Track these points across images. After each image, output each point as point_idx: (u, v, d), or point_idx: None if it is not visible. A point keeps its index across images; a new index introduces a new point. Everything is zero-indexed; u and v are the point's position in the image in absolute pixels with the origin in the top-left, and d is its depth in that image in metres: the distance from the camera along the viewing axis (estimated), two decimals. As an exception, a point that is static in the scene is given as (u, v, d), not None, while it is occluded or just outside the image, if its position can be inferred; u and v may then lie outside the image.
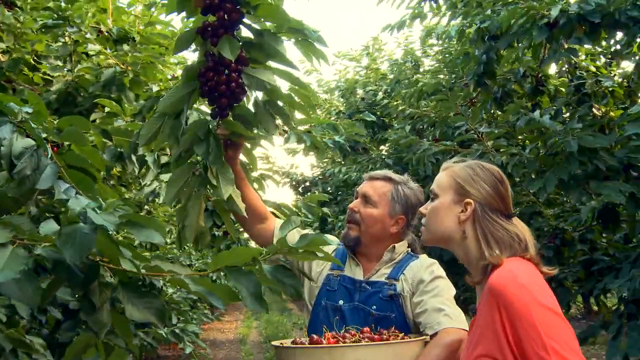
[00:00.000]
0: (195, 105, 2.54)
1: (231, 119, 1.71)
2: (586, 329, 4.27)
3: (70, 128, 1.64)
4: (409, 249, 2.00)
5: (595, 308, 8.44)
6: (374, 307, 1.85)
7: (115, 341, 2.71)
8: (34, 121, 1.51)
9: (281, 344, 1.66)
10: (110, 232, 1.06)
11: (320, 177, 8.52)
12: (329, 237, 1.23)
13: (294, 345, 1.60)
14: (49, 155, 1.47)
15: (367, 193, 1.98)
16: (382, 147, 7.31)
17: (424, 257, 1.96)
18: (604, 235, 4.55)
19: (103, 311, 1.31)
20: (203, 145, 1.59)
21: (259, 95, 1.70)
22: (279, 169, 9.11)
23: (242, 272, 1.21)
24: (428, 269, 1.89)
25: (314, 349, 1.54)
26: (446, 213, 1.49)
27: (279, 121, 1.74)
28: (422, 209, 1.57)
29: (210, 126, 1.67)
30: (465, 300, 7.56)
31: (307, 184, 8.82)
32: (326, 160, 8.60)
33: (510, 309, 1.27)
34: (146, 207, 6.14)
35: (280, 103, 1.69)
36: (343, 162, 7.61)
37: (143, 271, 1.19)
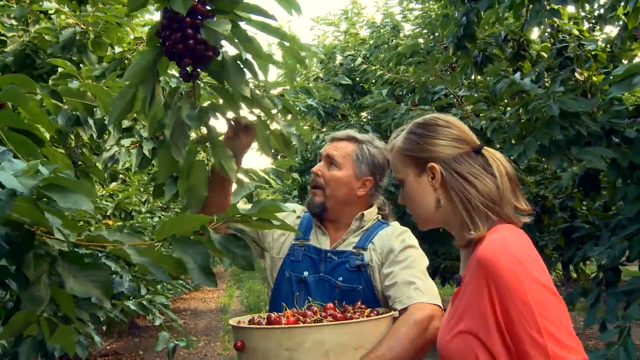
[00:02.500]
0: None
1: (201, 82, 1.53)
2: (565, 296, 4.27)
3: (9, 87, 1.50)
4: (379, 215, 1.88)
5: (575, 275, 8.50)
6: (340, 278, 1.73)
7: (81, 315, 2.62)
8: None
9: (238, 322, 1.54)
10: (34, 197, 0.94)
11: (299, 144, 8.38)
12: (284, 204, 1.12)
13: (251, 326, 1.48)
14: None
15: (330, 154, 1.84)
16: (361, 113, 7.18)
17: (395, 225, 1.84)
18: (584, 202, 4.51)
19: (40, 285, 1.19)
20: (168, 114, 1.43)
21: (230, 49, 1.53)
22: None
23: (189, 242, 1.10)
24: (399, 237, 1.76)
25: (273, 330, 1.41)
26: (420, 190, 1.35)
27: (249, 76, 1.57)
28: (400, 201, 1.42)
29: (182, 92, 1.51)
30: (445, 269, 7.56)
31: (286, 151, 8.67)
32: (306, 126, 8.47)
33: (501, 285, 1.15)
34: (121, 176, 5.98)
35: (248, 56, 1.52)
36: (321, 129, 7.49)
37: (71, 240, 1.07)
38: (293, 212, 1.91)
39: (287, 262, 1.81)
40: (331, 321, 1.45)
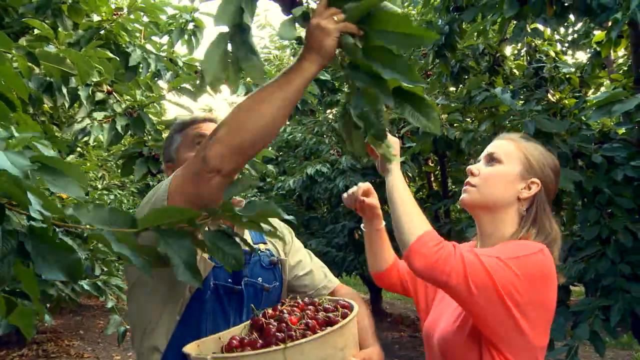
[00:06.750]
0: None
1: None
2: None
3: (-16, 45, 1.40)
4: None
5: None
6: (260, 279, 1.53)
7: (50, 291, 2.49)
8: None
9: (198, 353, 1.26)
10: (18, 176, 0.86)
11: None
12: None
13: (244, 353, 1.19)
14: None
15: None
16: (328, 110, 7.14)
17: None
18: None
19: (4, 263, 1.11)
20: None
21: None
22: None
23: (175, 235, 1.02)
24: (279, 224, 1.64)
25: (274, 352, 1.16)
26: (507, 183, 1.38)
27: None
28: (473, 168, 1.42)
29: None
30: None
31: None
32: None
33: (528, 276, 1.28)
34: (78, 149, 5.74)
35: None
36: (288, 122, 7.41)
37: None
38: None
39: (210, 270, 1.48)
40: (324, 329, 1.27)
